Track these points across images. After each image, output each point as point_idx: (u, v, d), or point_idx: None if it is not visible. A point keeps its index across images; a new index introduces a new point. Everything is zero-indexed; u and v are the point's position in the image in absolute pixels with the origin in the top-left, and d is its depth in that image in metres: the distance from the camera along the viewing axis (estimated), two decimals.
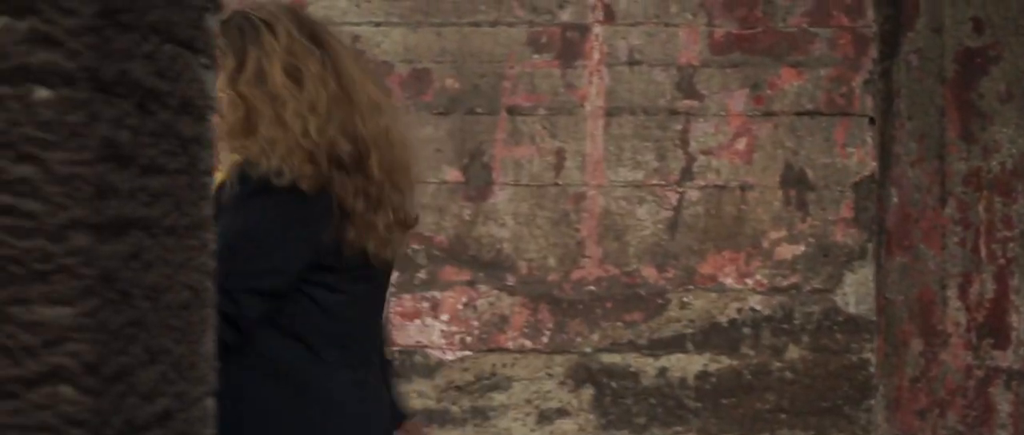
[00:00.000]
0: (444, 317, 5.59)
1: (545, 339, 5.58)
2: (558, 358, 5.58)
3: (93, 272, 1.39)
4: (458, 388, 5.58)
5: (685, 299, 5.57)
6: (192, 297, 1.70)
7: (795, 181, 5.57)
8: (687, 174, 5.58)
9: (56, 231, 1.38)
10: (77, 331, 1.38)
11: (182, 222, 1.67)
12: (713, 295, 5.57)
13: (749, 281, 5.57)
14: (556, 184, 5.58)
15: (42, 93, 1.38)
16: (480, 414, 5.58)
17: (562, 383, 5.59)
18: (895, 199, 5.50)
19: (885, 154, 5.54)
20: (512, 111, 5.58)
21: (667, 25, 5.56)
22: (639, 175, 5.58)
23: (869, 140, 5.56)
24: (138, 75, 1.52)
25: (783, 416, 5.56)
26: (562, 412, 5.58)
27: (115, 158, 1.44)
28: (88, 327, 1.38)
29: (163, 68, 1.59)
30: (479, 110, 5.58)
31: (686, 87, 5.57)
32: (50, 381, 1.38)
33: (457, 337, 5.59)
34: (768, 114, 5.57)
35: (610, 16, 5.57)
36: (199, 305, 1.73)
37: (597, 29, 5.56)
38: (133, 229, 1.50)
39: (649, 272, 5.58)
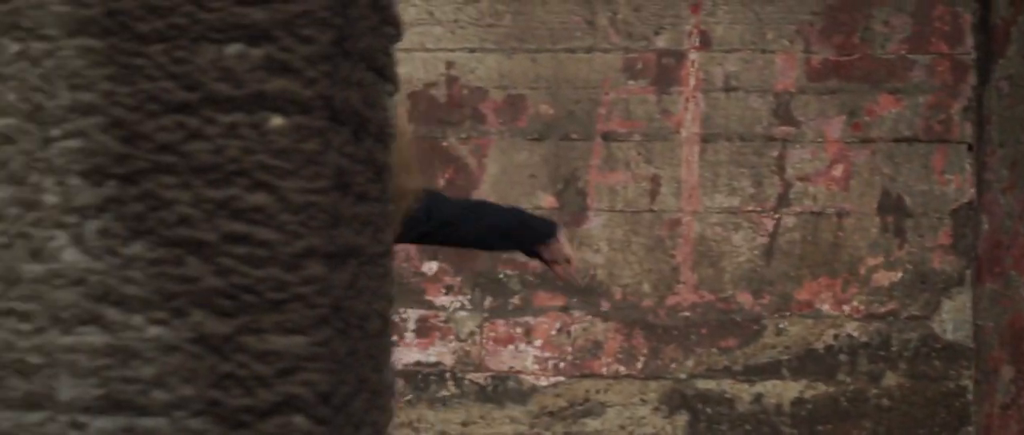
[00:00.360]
0: (537, 343, 5.57)
1: (639, 365, 5.55)
2: (652, 384, 5.55)
3: (326, 301, 1.38)
4: (551, 414, 5.56)
5: (781, 325, 5.53)
6: (383, 325, 1.70)
7: (892, 208, 5.53)
8: (783, 200, 5.55)
9: (291, 260, 1.37)
10: (311, 360, 1.37)
11: (378, 250, 1.66)
12: (809, 321, 5.53)
13: (846, 308, 5.53)
14: (651, 210, 5.56)
15: (277, 121, 1.37)
16: None
17: (656, 409, 5.55)
18: (986, 226, 5.45)
19: (977, 181, 5.50)
20: (607, 137, 5.57)
21: (764, 52, 5.53)
22: (735, 201, 5.55)
23: (968, 167, 5.52)
24: (355, 103, 1.51)
25: None
26: None
27: (342, 186, 1.44)
28: (321, 356, 1.37)
29: (367, 95, 1.59)
30: (574, 136, 5.57)
31: (783, 113, 5.54)
32: (283, 411, 1.37)
33: (550, 363, 5.57)
34: (865, 141, 5.53)
35: (706, 42, 5.55)
36: (386, 333, 1.73)
37: (693, 55, 5.54)
38: (350, 258, 1.50)
39: (744, 298, 5.54)
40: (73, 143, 1.38)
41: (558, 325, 5.56)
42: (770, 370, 5.53)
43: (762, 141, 5.54)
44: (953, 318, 5.53)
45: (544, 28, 5.56)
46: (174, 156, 1.37)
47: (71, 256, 1.38)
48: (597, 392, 5.56)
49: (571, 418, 5.56)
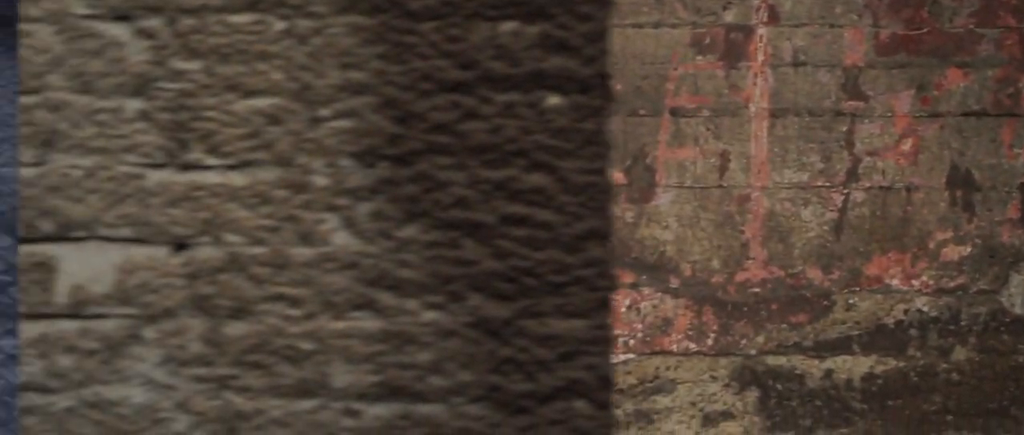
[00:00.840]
0: None
1: (709, 341, 5.54)
2: (723, 360, 5.53)
3: (607, 284, 1.36)
4: (621, 391, 5.54)
5: (851, 301, 5.51)
6: None
7: (961, 182, 5.51)
8: (852, 175, 5.53)
9: (572, 242, 1.34)
10: (592, 344, 1.35)
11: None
12: (879, 296, 5.51)
13: (915, 282, 5.51)
14: (720, 186, 5.53)
15: (554, 100, 1.35)
16: (644, 417, 5.54)
17: (727, 385, 5.54)
18: None
19: None
20: (675, 113, 5.54)
21: (832, 26, 5.50)
22: (804, 176, 5.52)
23: None
24: (608, 81, 1.49)
25: (949, 418, 5.50)
26: (727, 415, 5.53)
27: (611, 166, 1.41)
28: (602, 340, 1.35)
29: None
30: (642, 112, 5.54)
31: (851, 88, 5.52)
32: (564, 396, 1.35)
33: (620, 340, 5.55)
34: (934, 115, 5.50)
35: (774, 17, 5.52)
36: None
37: (761, 30, 5.51)
38: (610, 238, 1.47)
39: (814, 274, 5.52)
40: (343, 123, 1.35)
41: (627, 302, 5.54)
42: (840, 345, 5.52)
43: (831, 116, 5.52)
44: (1022, 292, 5.51)
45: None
46: (449, 136, 1.35)
47: (342, 239, 1.36)
48: (667, 369, 5.55)
49: (641, 396, 5.55)
